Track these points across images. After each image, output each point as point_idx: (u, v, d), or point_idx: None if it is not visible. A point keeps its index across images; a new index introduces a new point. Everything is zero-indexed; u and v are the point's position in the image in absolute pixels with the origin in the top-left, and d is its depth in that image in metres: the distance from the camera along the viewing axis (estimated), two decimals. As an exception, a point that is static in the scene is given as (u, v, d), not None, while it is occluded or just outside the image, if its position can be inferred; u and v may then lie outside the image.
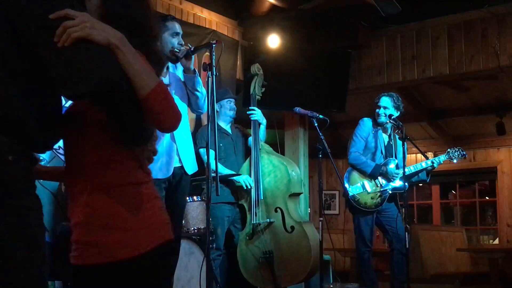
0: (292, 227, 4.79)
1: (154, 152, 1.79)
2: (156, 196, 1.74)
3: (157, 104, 1.56)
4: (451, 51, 6.29)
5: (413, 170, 5.31)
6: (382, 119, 5.27)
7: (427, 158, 5.41)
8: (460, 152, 5.49)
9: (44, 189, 4.56)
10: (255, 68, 5.19)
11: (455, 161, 5.53)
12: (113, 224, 1.63)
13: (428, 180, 5.49)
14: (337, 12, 6.20)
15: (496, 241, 8.95)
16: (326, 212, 9.37)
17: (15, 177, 1.61)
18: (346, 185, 5.32)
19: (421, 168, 5.34)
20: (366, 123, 5.39)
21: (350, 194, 5.24)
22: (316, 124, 4.69)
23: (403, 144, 5.02)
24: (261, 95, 5.15)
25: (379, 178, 5.27)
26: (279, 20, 6.25)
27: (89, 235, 1.63)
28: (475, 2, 6.02)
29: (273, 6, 6.21)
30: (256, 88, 5.12)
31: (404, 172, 4.89)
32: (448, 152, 5.50)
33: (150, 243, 1.64)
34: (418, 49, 6.48)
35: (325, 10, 6.13)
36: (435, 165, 5.33)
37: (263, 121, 5.04)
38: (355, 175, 5.34)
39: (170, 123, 1.61)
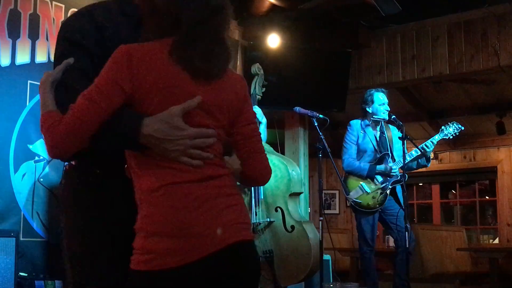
0: (293, 227, 4.79)
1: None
2: (218, 195, 1.60)
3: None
4: (451, 50, 6.29)
5: (408, 159, 5.27)
6: (383, 116, 5.26)
7: (426, 156, 5.39)
8: (455, 126, 5.41)
9: (45, 189, 4.57)
10: (256, 68, 5.20)
11: (450, 136, 5.43)
12: (161, 232, 1.54)
13: (428, 165, 5.45)
14: (337, 12, 6.20)
15: (496, 241, 8.95)
16: (326, 211, 9.37)
17: (62, 197, 1.91)
18: (345, 191, 5.34)
19: (417, 155, 5.30)
20: (354, 127, 5.41)
21: (351, 199, 5.24)
22: (316, 124, 4.69)
23: (403, 144, 5.01)
24: (261, 94, 5.17)
25: (377, 176, 5.28)
26: (279, 20, 6.25)
27: (140, 242, 1.57)
28: (475, 1, 6.02)
29: (273, 6, 6.20)
30: (257, 88, 5.14)
31: (404, 166, 4.89)
32: (442, 130, 5.43)
33: (201, 251, 1.53)
34: (418, 48, 6.49)
35: (325, 10, 6.13)
36: (429, 148, 5.29)
37: (263, 120, 5.05)
38: (352, 179, 5.37)
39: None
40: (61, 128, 1.56)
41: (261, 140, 1.78)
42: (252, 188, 4.90)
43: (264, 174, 1.79)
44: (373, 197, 5.24)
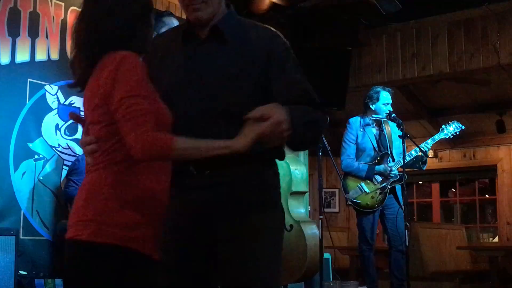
0: (291, 226, 4.79)
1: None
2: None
3: None
4: (451, 49, 6.29)
5: (408, 159, 5.25)
6: (384, 115, 5.25)
7: (426, 156, 5.39)
8: (455, 125, 5.39)
9: (45, 187, 4.57)
10: None
11: (451, 136, 5.42)
12: None
13: (424, 168, 5.46)
14: (337, 10, 6.21)
15: (496, 239, 8.95)
16: (326, 210, 9.36)
17: None
18: (344, 191, 5.33)
19: (415, 155, 5.30)
20: (353, 125, 5.36)
21: (350, 199, 5.23)
22: (316, 122, 4.67)
23: (403, 142, 5.01)
24: None
25: (376, 176, 5.27)
26: (279, 18, 6.25)
27: None
28: (475, 0, 6.02)
29: (273, 4, 6.20)
30: None
31: (404, 165, 4.88)
32: (443, 129, 5.44)
33: None
34: (418, 47, 6.49)
35: (325, 8, 6.14)
36: (427, 148, 5.29)
37: None
38: (351, 179, 5.32)
39: None
40: None
41: (130, 119, 1.63)
42: None
43: (133, 152, 1.64)
44: (372, 197, 5.22)
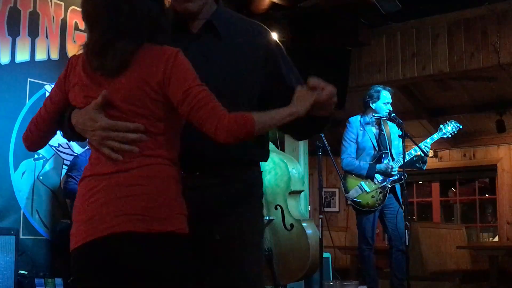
0: (292, 225, 4.79)
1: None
2: (117, 186, 1.64)
3: None
4: (451, 48, 6.29)
5: (407, 158, 5.26)
6: (384, 114, 5.24)
7: (427, 155, 5.39)
8: (453, 124, 5.45)
9: (44, 187, 4.57)
10: None
11: (449, 135, 5.47)
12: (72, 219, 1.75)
13: (424, 168, 5.47)
14: (337, 10, 6.20)
15: (496, 239, 8.95)
16: (326, 209, 9.37)
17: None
18: (344, 190, 5.32)
19: (415, 154, 5.31)
20: (353, 124, 5.37)
21: (350, 198, 5.22)
22: (316, 122, 4.67)
23: (402, 142, 5.01)
24: None
25: (376, 175, 5.27)
26: (279, 18, 6.24)
27: None
28: (475, -1, 6.04)
29: (272, 4, 6.20)
30: None
31: (404, 165, 4.88)
32: (441, 128, 5.47)
33: (84, 237, 1.64)
34: (418, 46, 6.49)
35: (325, 8, 6.13)
36: (427, 148, 5.31)
37: None
38: (351, 178, 5.32)
39: None
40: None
41: (203, 105, 1.61)
42: None
43: (221, 136, 1.62)
44: (373, 196, 5.22)
